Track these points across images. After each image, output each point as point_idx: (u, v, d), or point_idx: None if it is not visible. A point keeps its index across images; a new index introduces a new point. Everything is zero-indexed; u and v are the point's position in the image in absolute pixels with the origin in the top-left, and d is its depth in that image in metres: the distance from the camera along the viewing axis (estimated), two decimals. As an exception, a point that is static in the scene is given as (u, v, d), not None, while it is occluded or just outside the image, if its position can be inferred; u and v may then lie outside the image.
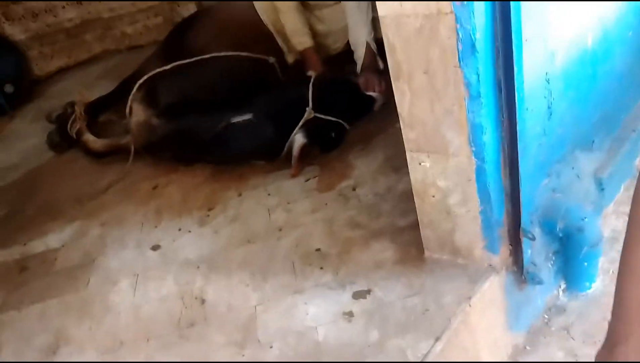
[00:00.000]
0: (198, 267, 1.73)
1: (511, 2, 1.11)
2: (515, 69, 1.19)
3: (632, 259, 0.84)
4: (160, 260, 1.81)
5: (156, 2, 3.95)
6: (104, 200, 2.24)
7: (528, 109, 1.35)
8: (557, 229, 1.55)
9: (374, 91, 2.24)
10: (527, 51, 1.27)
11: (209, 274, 1.69)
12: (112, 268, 1.83)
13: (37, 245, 2.05)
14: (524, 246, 1.43)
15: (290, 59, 2.76)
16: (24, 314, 1.72)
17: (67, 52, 3.97)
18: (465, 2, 1.08)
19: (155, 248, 1.87)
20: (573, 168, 1.68)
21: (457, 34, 1.12)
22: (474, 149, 1.26)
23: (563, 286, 1.69)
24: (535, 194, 1.52)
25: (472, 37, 1.12)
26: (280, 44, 2.75)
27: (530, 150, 1.42)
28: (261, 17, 2.72)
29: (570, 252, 1.58)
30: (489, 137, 1.25)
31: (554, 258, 1.61)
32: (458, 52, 1.14)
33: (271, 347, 1.38)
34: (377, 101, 2.24)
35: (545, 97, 1.44)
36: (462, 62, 1.16)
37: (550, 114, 1.49)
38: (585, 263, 1.59)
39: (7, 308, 1.76)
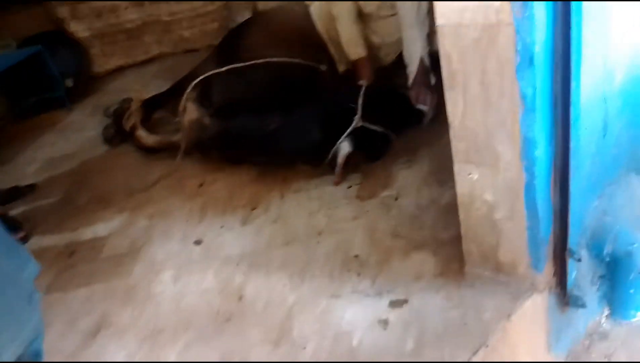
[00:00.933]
0: (238, 264, 1.76)
1: (572, 18, 1.10)
2: (573, 85, 1.17)
3: None
4: (203, 254, 1.85)
5: (214, 8, 4.07)
6: (152, 194, 2.31)
7: (583, 127, 1.33)
8: (605, 252, 1.51)
9: (424, 105, 2.24)
10: (585, 68, 1.25)
11: (249, 271, 1.72)
12: (157, 258, 1.88)
13: (87, 232, 2.13)
14: (569, 267, 1.40)
15: (341, 68, 2.79)
16: (70, 296, 1.79)
17: (126, 52, 4.14)
18: (526, 14, 1.08)
19: (198, 242, 1.92)
20: (626, 192, 1.63)
21: (516, 46, 1.12)
22: (525, 163, 1.24)
23: (607, 312, 1.63)
24: (584, 214, 1.49)
25: (531, 50, 1.11)
26: (332, 52, 2.78)
27: (583, 169, 1.39)
28: (316, 25, 2.77)
29: (616, 277, 1.53)
30: (541, 152, 1.23)
31: (599, 282, 1.57)
32: (515, 64, 1.14)
33: (305, 348, 1.39)
34: (426, 115, 2.23)
35: (601, 115, 1.41)
36: (519, 75, 1.15)
37: (606, 133, 1.46)
38: (632, 290, 1.53)
39: (55, 290, 1.83)
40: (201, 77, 2.36)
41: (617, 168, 1.59)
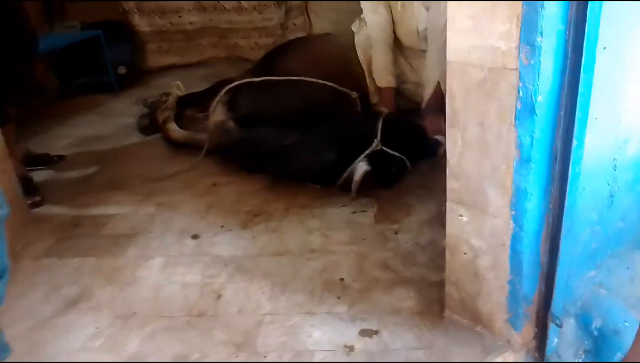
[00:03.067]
0: (226, 264, 1.77)
1: (583, 73, 1.08)
2: (575, 143, 1.14)
3: None
4: (195, 249, 1.88)
5: (271, 24, 4.19)
6: (166, 185, 2.37)
7: (584, 190, 1.29)
8: (594, 326, 1.43)
9: (439, 134, 2.23)
10: (594, 130, 1.22)
11: (234, 273, 1.73)
12: (151, 245, 1.92)
13: (95, 209, 2.20)
14: (550, 332, 1.34)
15: (374, 99, 2.82)
16: (63, 263, 1.84)
17: (181, 52, 4.31)
18: (532, 62, 1.07)
19: (194, 237, 1.94)
20: (628, 269, 1.56)
21: (518, 92, 1.11)
22: (514, 213, 1.21)
23: (589, 390, 1.54)
24: (577, 282, 1.43)
25: (533, 98, 1.09)
26: (368, 83, 2.82)
27: (579, 234, 1.35)
28: (358, 54, 2.82)
29: (601, 355, 1.45)
30: (533, 205, 1.20)
31: (583, 355, 1.49)
32: (516, 110, 1.12)
33: (265, 357, 1.38)
34: (441, 146, 2.22)
35: (608, 183, 1.36)
36: (517, 122, 1.13)
37: (612, 204, 1.40)
38: (617, 372, 1.45)
39: (51, 254, 1.90)
40: (235, 83, 2.43)
41: (621, 243, 1.52)
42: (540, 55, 1.06)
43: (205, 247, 1.88)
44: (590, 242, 1.41)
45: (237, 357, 1.39)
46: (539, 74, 1.08)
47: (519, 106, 1.12)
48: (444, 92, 2.39)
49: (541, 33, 1.06)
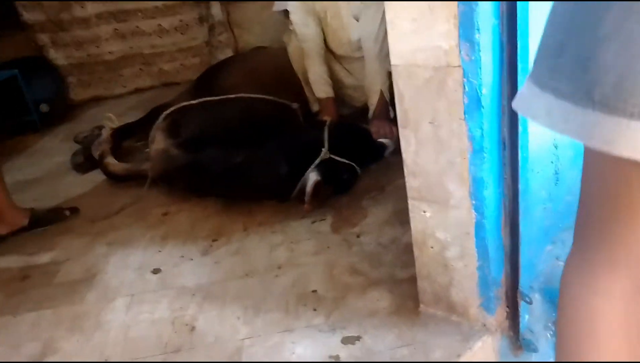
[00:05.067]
0: (194, 295, 1.73)
1: (519, 62, 1.15)
2: (520, 129, 1.21)
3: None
4: (159, 283, 1.82)
5: (196, 43, 4.12)
6: (115, 221, 2.28)
7: (533, 171, 1.36)
8: (558, 297, 1.51)
9: (385, 138, 2.29)
10: (535, 114, 1.29)
11: (203, 302, 1.69)
12: (111, 286, 1.84)
13: (43, 257, 2.09)
14: (521, 310, 1.40)
15: (315, 108, 2.85)
16: (18, 320, 1.73)
17: (104, 84, 4.14)
18: (473, 58, 1.12)
19: (156, 271, 1.88)
20: (579, 238, 1.66)
21: (464, 88, 1.16)
22: (474, 202, 1.27)
23: (561, 359, 1.63)
24: (537, 259, 1.51)
25: (479, 92, 1.15)
26: (307, 93, 2.85)
27: (533, 213, 1.42)
28: (293, 65, 2.84)
29: (569, 322, 1.53)
30: (490, 192, 1.25)
31: (553, 327, 1.57)
32: (464, 105, 1.17)
33: (252, 381, 1.36)
34: (388, 148, 2.28)
35: (552, 162, 1.45)
36: (467, 116, 1.18)
37: (557, 180, 1.49)
38: (585, 337, 1.53)
39: (3, 313, 1.78)
40: (172, 108, 2.39)
41: (571, 216, 1.61)
42: (479, 50, 1.12)
43: (169, 280, 1.83)
44: (543, 219, 1.49)
45: (223, 387, 1.36)
46: (480, 69, 1.13)
47: (466, 101, 1.17)
48: (387, 99, 2.46)
49: (478, 29, 1.11)
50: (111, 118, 2.85)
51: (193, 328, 1.59)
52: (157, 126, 2.38)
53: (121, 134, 2.79)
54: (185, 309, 1.67)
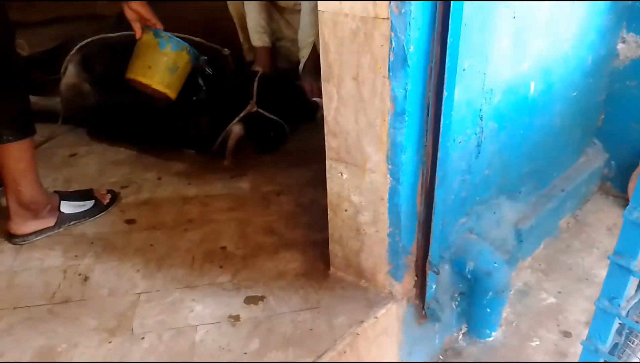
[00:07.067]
0: (92, 243, 1.61)
1: (451, 23, 1.08)
2: (445, 94, 1.15)
3: None
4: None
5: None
6: (16, 159, 2.08)
7: (455, 141, 1.32)
8: (467, 270, 1.51)
9: (318, 97, 2.20)
10: (462, 81, 1.24)
11: (102, 252, 1.57)
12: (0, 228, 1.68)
13: None
14: (429, 279, 1.38)
15: (248, 57, 2.71)
16: None
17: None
18: (402, 11, 1.04)
19: (53, 216, 1.73)
20: (495, 213, 1.66)
21: (391, 43, 1.08)
22: (390, 167, 1.21)
23: (464, 329, 1.65)
24: (450, 229, 1.49)
25: (405, 49, 1.07)
26: (241, 40, 2.70)
27: (451, 183, 1.39)
28: (230, 10, 2.67)
29: (475, 295, 1.55)
30: (408, 158, 1.20)
31: (459, 299, 1.58)
32: (389, 62, 1.10)
33: (142, 339, 1.27)
34: (319, 108, 2.19)
35: (475, 133, 1.42)
36: (391, 74, 1.11)
37: (479, 153, 1.47)
38: (488, 309, 1.55)
39: None
40: (88, 40, 2.17)
41: (488, 189, 1.61)
42: (410, 4, 1.04)
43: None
44: (460, 191, 1.46)
45: (110, 342, 1.26)
46: (409, 24, 1.05)
47: (391, 58, 1.10)
48: (318, 51, 2.36)
49: (410, -19, 1.03)
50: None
51: (86, 279, 1.47)
52: (70, 58, 2.17)
53: (31, 64, 2.54)
54: (81, 258, 1.55)
